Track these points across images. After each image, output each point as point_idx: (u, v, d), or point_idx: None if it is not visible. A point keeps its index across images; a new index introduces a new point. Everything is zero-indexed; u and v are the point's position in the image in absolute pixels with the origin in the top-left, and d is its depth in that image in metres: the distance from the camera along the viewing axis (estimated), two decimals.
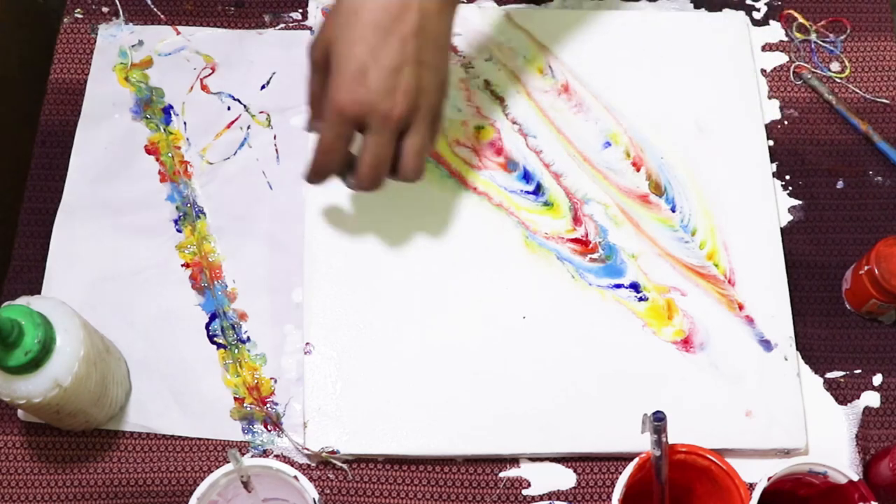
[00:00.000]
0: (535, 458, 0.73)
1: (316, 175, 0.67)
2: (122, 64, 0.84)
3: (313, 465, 0.72)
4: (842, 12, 0.88)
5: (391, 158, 0.66)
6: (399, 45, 0.62)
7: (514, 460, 0.73)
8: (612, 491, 0.64)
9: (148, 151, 0.81)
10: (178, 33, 0.86)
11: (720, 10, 0.87)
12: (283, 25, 0.86)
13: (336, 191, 0.78)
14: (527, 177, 0.80)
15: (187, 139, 0.82)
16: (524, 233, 0.78)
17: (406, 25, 0.63)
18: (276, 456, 0.72)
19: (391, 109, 0.62)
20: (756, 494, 0.62)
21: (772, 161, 0.82)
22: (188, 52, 0.85)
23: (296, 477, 0.62)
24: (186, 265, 0.78)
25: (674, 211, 0.79)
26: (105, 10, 0.87)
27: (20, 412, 0.73)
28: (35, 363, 0.62)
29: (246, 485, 0.64)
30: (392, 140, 0.64)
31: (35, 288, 0.76)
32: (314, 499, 0.62)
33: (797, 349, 0.75)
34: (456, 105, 0.82)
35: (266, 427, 0.73)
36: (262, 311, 0.76)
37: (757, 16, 0.88)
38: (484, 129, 0.81)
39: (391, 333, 0.74)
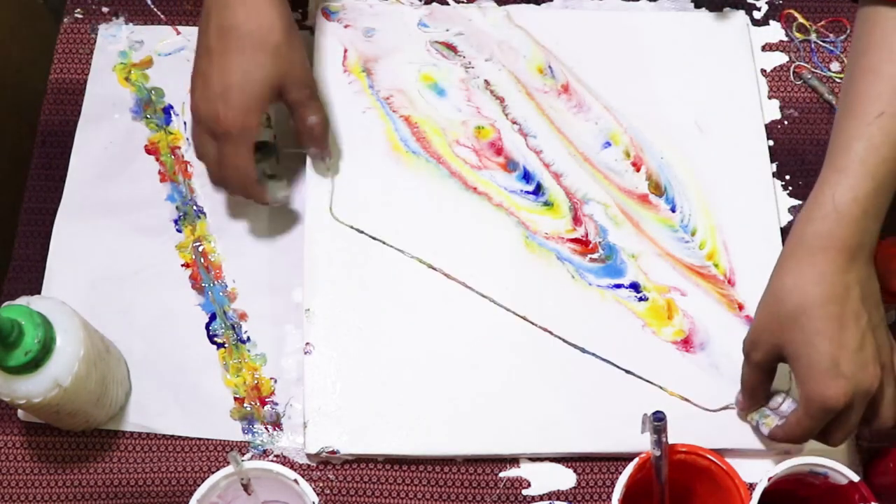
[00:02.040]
0: (535, 458, 0.73)
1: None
2: (122, 64, 0.84)
3: (313, 465, 0.72)
4: (842, 12, 0.88)
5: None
6: (855, 324, 0.63)
7: (514, 460, 0.73)
8: (612, 491, 0.64)
9: (148, 151, 0.81)
10: (178, 33, 0.86)
11: (720, 10, 0.87)
12: None
13: (336, 191, 0.78)
14: (527, 177, 0.80)
15: (187, 139, 0.82)
16: (524, 233, 0.78)
17: (854, 302, 0.63)
18: (276, 456, 0.72)
19: (871, 385, 0.64)
20: (756, 494, 0.62)
21: (772, 161, 0.82)
22: (188, 52, 0.85)
23: (296, 480, 0.62)
24: (186, 265, 0.78)
25: (674, 211, 0.79)
26: (105, 10, 0.87)
27: (20, 412, 0.73)
28: (35, 363, 0.62)
29: (246, 487, 0.64)
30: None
31: (35, 288, 0.76)
32: (313, 502, 0.62)
33: None
34: (456, 105, 0.82)
35: (266, 427, 0.73)
36: (262, 311, 0.76)
37: (757, 16, 0.88)
38: (484, 129, 0.81)
39: (391, 333, 0.74)
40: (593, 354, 0.74)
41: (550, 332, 0.75)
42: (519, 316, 0.75)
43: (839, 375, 0.62)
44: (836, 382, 0.62)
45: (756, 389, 0.69)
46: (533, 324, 0.75)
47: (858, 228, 0.63)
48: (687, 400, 0.73)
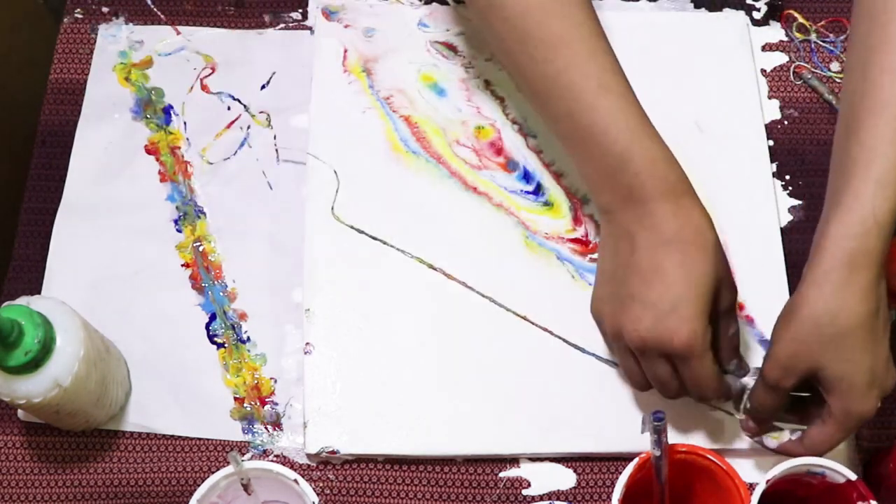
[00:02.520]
0: (535, 458, 0.73)
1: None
2: (122, 64, 0.84)
3: (313, 465, 0.72)
4: (842, 12, 0.88)
5: None
6: (884, 334, 0.63)
7: (514, 460, 0.73)
8: (612, 491, 0.64)
9: (148, 151, 0.81)
10: (179, 33, 0.86)
11: (720, 10, 0.87)
12: (283, 25, 0.87)
13: (336, 191, 0.78)
14: (527, 177, 0.80)
15: (187, 139, 0.82)
16: (524, 233, 0.78)
17: (883, 311, 0.63)
18: (276, 456, 0.72)
19: (891, 387, 0.64)
20: (755, 498, 0.62)
21: (772, 161, 0.82)
22: (188, 52, 0.85)
23: (296, 480, 0.62)
24: (186, 265, 0.78)
25: None
26: (105, 10, 0.87)
27: (20, 412, 0.73)
28: (35, 363, 0.62)
29: (246, 487, 0.64)
30: None
31: (35, 288, 0.76)
32: (313, 502, 0.62)
33: None
34: (456, 105, 0.82)
35: (266, 427, 0.73)
36: (262, 311, 0.76)
37: (757, 16, 0.87)
38: (484, 129, 0.81)
39: (391, 333, 0.74)
40: (593, 355, 0.74)
41: (550, 332, 0.75)
42: (519, 316, 0.75)
43: (874, 387, 0.63)
44: (872, 394, 0.63)
45: (776, 413, 0.68)
46: (533, 324, 0.75)
47: (889, 237, 0.63)
48: (687, 400, 0.73)
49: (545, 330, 0.75)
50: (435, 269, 0.76)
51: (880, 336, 0.63)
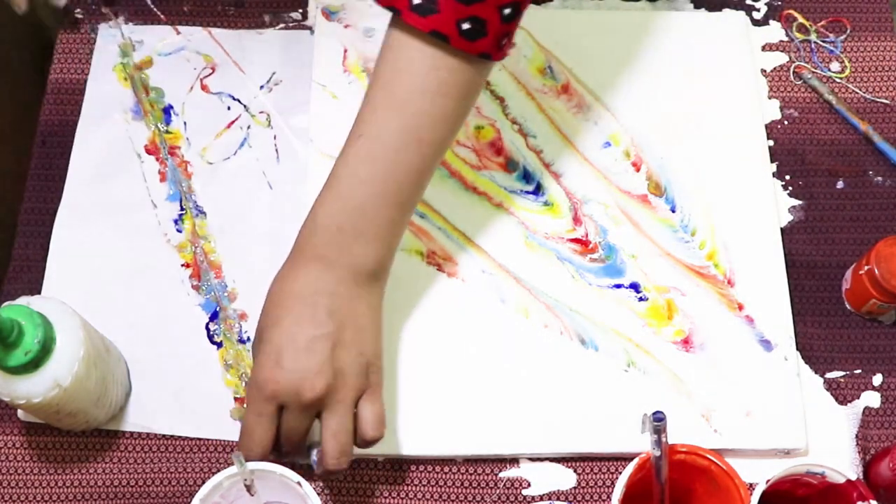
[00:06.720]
0: (535, 458, 0.73)
1: (247, 456, 0.65)
2: (122, 64, 0.84)
3: None
4: (842, 12, 0.88)
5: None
6: (312, 327, 0.63)
7: (514, 460, 0.73)
8: (612, 491, 0.64)
9: (148, 151, 0.81)
10: (178, 33, 0.86)
11: (720, 10, 0.87)
12: (283, 25, 0.87)
13: None
14: (527, 177, 0.80)
15: (187, 139, 0.82)
16: (524, 233, 0.78)
17: (320, 308, 0.64)
18: None
19: (307, 390, 0.63)
20: (755, 499, 0.62)
21: (772, 161, 0.82)
22: (188, 52, 0.85)
23: (299, 483, 0.62)
24: (186, 265, 0.78)
25: (674, 211, 0.79)
26: (105, 10, 0.87)
27: (20, 412, 0.73)
28: (35, 363, 0.62)
29: (249, 488, 0.64)
30: (305, 419, 0.64)
31: (35, 288, 0.76)
32: None
33: (797, 349, 0.75)
34: None
35: None
36: None
37: (757, 16, 0.88)
38: (484, 129, 0.81)
39: (390, 333, 0.74)
40: (592, 354, 0.74)
41: (550, 333, 0.75)
42: (519, 316, 0.75)
43: (278, 365, 0.63)
44: (271, 368, 0.63)
45: None
46: (533, 324, 0.75)
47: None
48: (687, 400, 0.73)
49: (545, 330, 0.75)
50: (434, 268, 0.76)
51: (306, 328, 0.64)
